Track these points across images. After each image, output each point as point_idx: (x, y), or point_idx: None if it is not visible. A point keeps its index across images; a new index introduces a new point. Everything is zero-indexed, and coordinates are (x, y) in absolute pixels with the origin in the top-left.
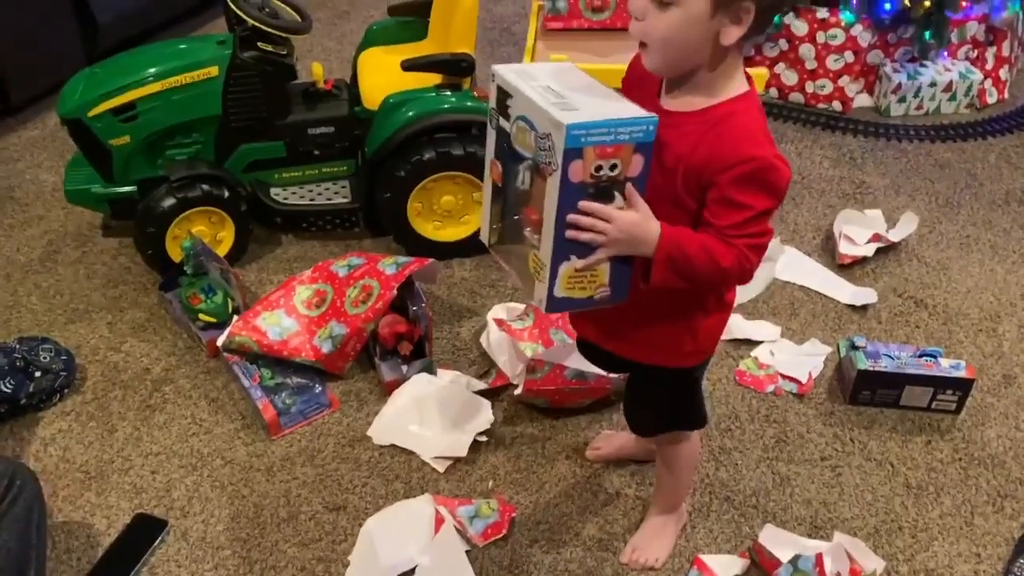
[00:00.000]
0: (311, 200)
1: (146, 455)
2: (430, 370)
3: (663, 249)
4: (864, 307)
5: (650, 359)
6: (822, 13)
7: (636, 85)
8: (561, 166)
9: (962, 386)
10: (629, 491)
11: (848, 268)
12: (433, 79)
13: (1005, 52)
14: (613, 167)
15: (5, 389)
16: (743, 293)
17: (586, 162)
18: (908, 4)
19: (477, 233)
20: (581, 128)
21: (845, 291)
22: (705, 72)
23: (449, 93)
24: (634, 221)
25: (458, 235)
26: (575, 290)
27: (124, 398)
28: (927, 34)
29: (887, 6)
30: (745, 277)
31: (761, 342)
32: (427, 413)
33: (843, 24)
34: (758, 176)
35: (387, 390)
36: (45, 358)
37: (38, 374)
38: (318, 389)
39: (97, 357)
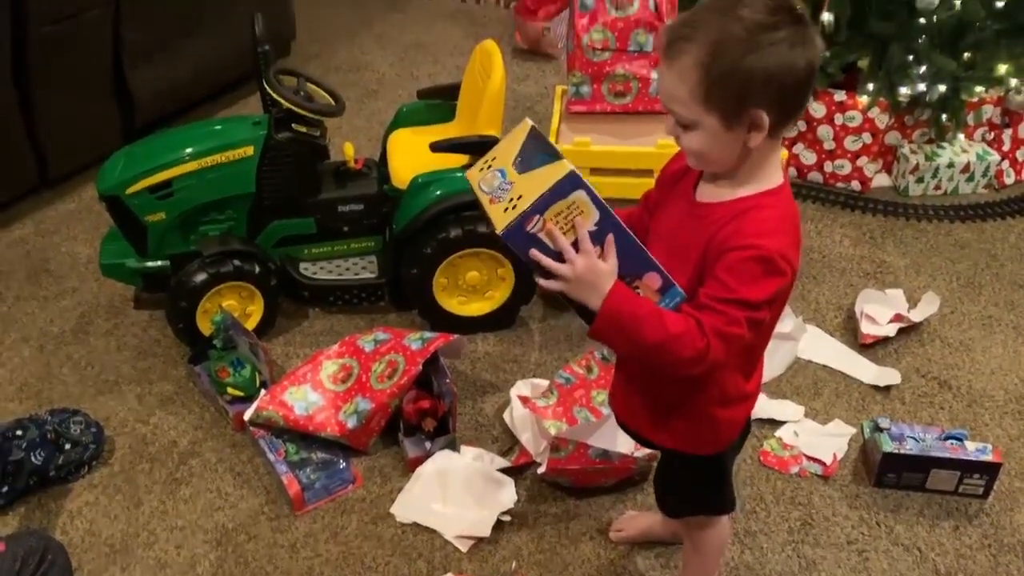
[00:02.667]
0: (339, 275)
1: (171, 529)
2: (453, 447)
3: (611, 298)
4: (887, 388)
5: (671, 444)
6: (839, 96)
7: (676, 179)
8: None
9: (989, 470)
10: (654, 574)
11: (870, 348)
12: (460, 159)
13: (1022, 134)
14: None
15: (35, 461)
16: (766, 371)
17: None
18: (924, 88)
19: (501, 308)
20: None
21: (868, 371)
22: (736, 168)
23: None
24: (597, 269)
25: (482, 310)
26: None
27: (151, 471)
28: (943, 116)
29: (904, 90)
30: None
31: (785, 422)
32: (450, 491)
33: (860, 107)
34: (751, 262)
35: (410, 467)
36: (75, 430)
37: (68, 446)
38: (342, 465)
39: (126, 429)
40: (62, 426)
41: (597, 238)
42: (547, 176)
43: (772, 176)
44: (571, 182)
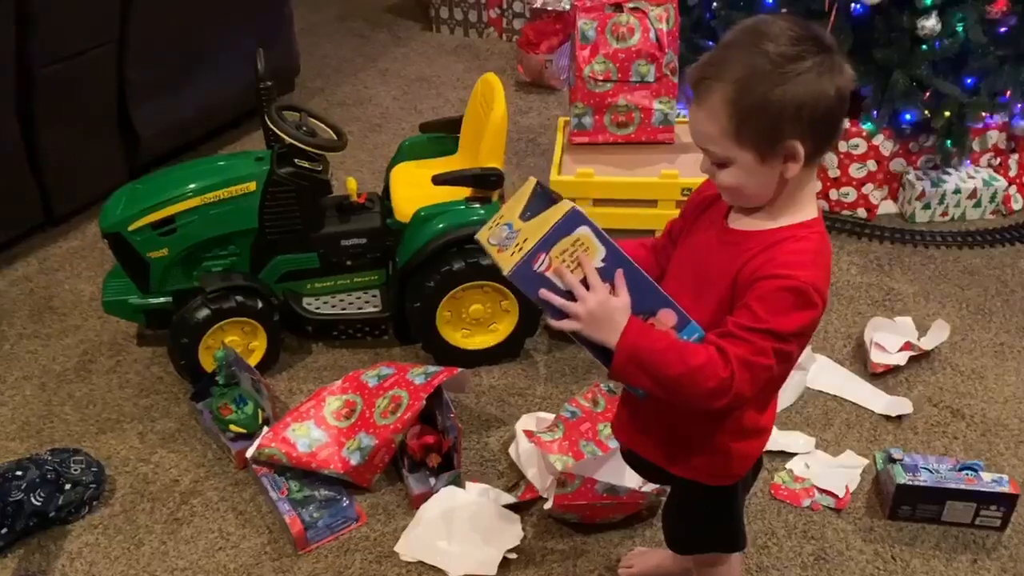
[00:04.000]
0: (342, 309)
1: (172, 570)
2: (458, 483)
3: (628, 333)
4: (899, 417)
5: (682, 472)
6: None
7: (705, 206)
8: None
9: (1006, 502)
10: None
11: (881, 377)
12: (463, 192)
13: None
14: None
15: (35, 502)
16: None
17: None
18: (928, 114)
19: (505, 341)
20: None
21: (879, 401)
22: (773, 200)
23: (478, 206)
24: (610, 305)
25: (486, 343)
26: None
27: (152, 510)
28: (948, 143)
29: (908, 116)
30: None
31: (795, 454)
32: (456, 528)
33: (865, 134)
34: (784, 292)
35: (415, 503)
36: (76, 470)
37: (68, 486)
38: (345, 502)
39: (127, 468)
40: (63, 466)
41: (606, 275)
42: (550, 216)
43: (807, 208)
44: (573, 218)
